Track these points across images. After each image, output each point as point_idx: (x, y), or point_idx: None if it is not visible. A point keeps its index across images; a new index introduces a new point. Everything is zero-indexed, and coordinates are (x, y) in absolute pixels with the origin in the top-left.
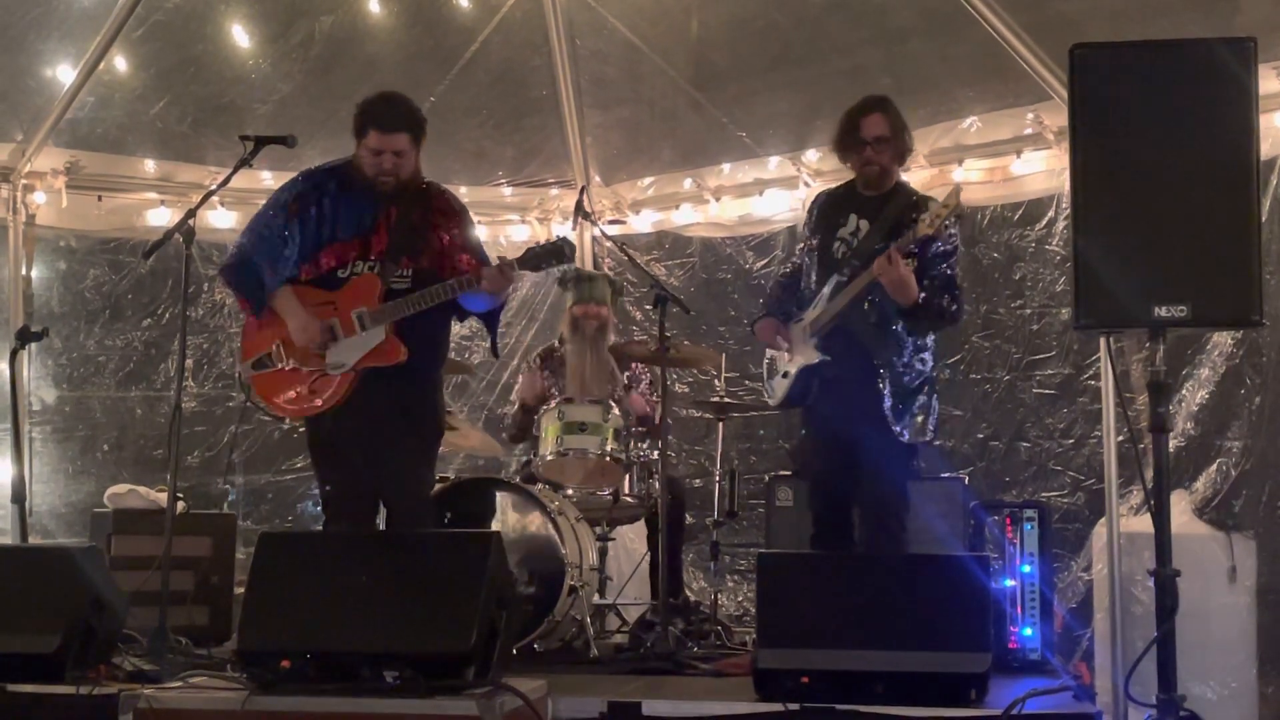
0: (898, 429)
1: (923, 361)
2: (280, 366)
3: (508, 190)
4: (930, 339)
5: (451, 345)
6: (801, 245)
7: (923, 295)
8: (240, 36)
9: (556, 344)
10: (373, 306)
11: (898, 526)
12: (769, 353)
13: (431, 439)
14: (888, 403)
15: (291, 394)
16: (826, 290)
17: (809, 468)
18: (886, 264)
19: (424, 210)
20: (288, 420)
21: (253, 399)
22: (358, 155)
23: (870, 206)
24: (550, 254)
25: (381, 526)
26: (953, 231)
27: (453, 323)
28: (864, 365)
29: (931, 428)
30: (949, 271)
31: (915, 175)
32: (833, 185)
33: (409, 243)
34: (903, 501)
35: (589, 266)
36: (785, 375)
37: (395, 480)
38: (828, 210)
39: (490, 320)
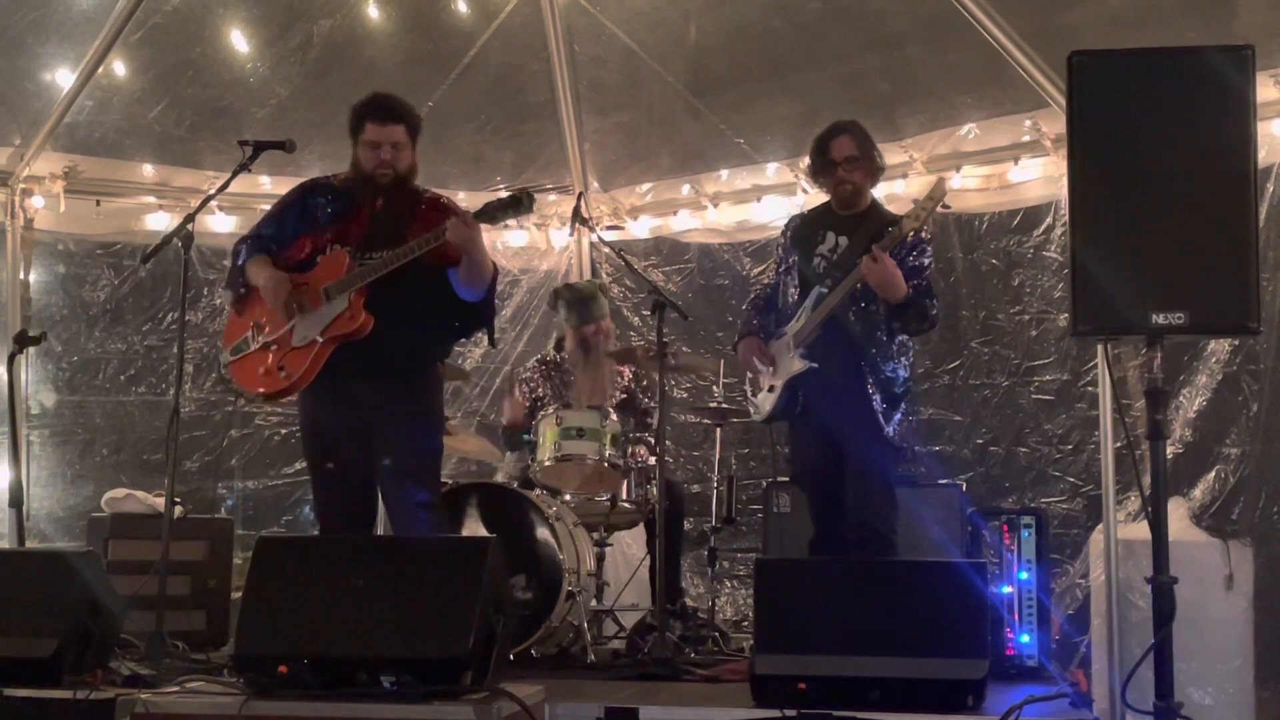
0: (889, 430)
1: (904, 368)
2: (252, 348)
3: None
4: (909, 349)
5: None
6: (777, 266)
7: (910, 292)
8: (238, 40)
9: (551, 352)
10: (340, 276)
11: (886, 527)
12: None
13: (426, 442)
14: (878, 405)
15: (261, 371)
16: (809, 302)
17: (806, 476)
18: (872, 263)
19: (413, 207)
20: (256, 399)
21: (228, 382)
22: (355, 154)
23: (847, 225)
24: (508, 206)
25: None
26: (927, 245)
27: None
28: (852, 369)
29: (911, 433)
30: (924, 282)
31: (913, 181)
32: (806, 209)
33: (389, 231)
34: (891, 501)
35: (587, 272)
36: (771, 389)
37: (392, 487)
38: (803, 231)
39: (485, 311)
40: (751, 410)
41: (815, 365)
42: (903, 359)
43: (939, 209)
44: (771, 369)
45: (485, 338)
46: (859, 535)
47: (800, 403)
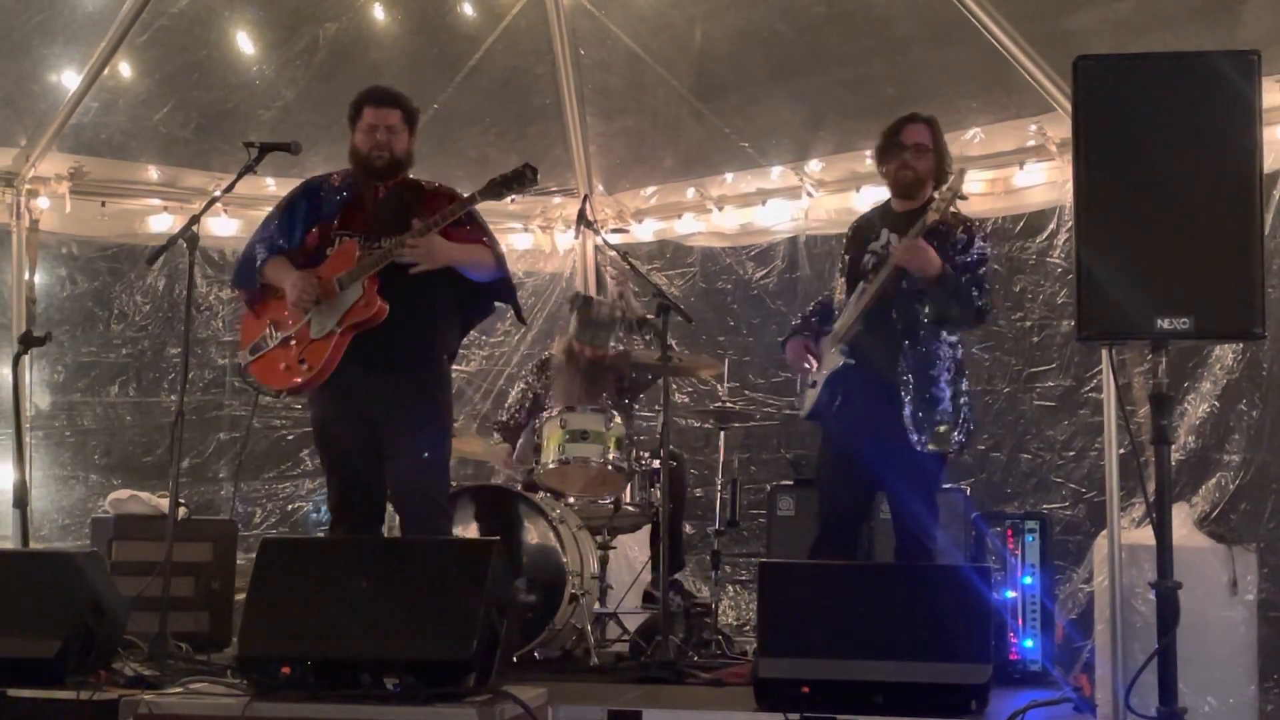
0: (917, 438)
1: (950, 369)
2: (271, 346)
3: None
4: (959, 349)
5: None
6: (838, 266)
7: (948, 273)
8: (244, 43)
9: (553, 353)
10: (351, 267)
11: (926, 537)
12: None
13: (434, 439)
14: (908, 410)
15: (283, 366)
16: (852, 298)
17: (822, 475)
18: (901, 247)
19: (415, 195)
20: (282, 394)
21: (250, 383)
22: (353, 142)
23: (902, 221)
24: (512, 181)
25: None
26: (982, 241)
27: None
28: (888, 372)
29: (958, 438)
30: (981, 271)
31: None
32: (871, 208)
33: (394, 219)
34: (928, 512)
35: (590, 275)
36: (814, 385)
37: (400, 482)
38: (861, 230)
39: (502, 289)
40: (796, 406)
41: (852, 361)
42: (949, 362)
43: (958, 199)
44: (818, 366)
45: (514, 316)
46: (900, 544)
47: (838, 399)
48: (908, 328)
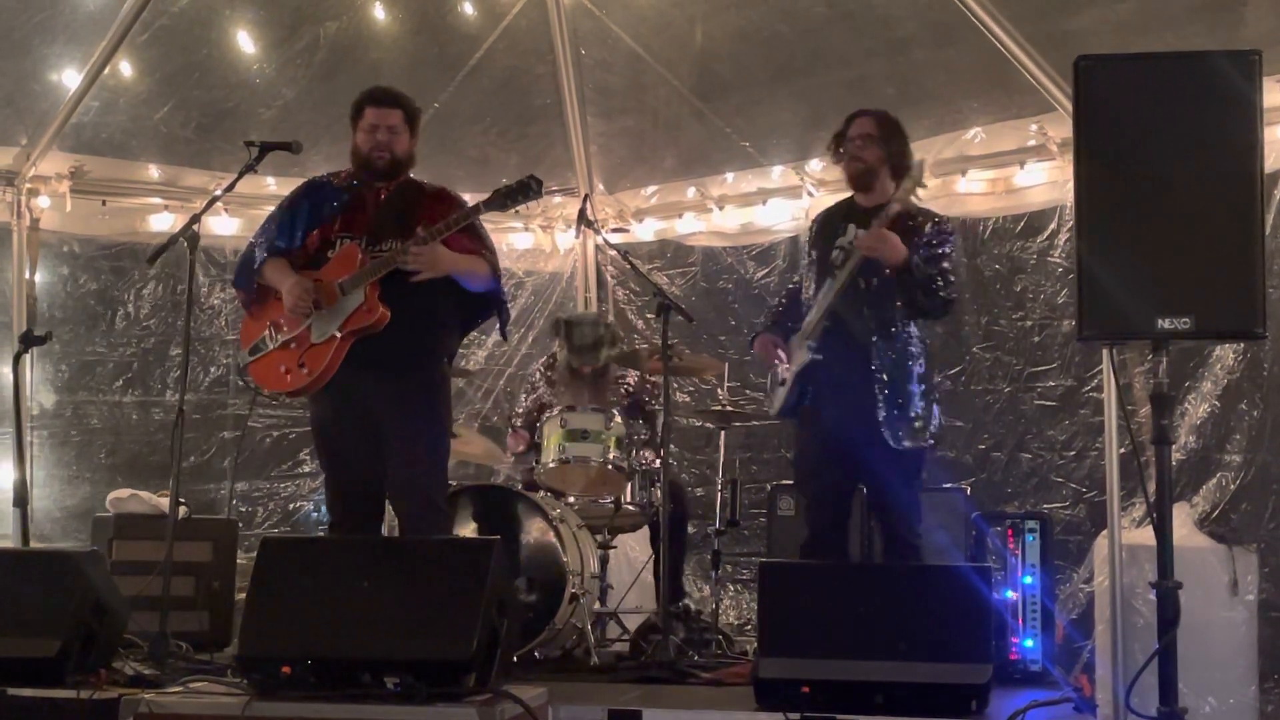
0: (892, 434)
1: (921, 365)
2: (271, 348)
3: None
4: (927, 341)
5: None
6: (804, 262)
7: (915, 262)
8: (245, 42)
9: (556, 354)
10: (353, 271)
11: (910, 534)
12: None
13: (433, 439)
14: (882, 408)
15: (282, 369)
16: (820, 293)
17: (805, 476)
18: (865, 236)
19: (416, 197)
20: (283, 396)
21: (249, 383)
22: (354, 142)
23: (866, 216)
24: (517, 192)
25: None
26: (947, 235)
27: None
28: (860, 369)
29: (932, 431)
30: (944, 265)
31: None
32: (831, 203)
33: (396, 221)
34: (911, 508)
35: (591, 275)
36: (783, 383)
37: (399, 483)
38: (826, 225)
39: (494, 301)
40: (767, 404)
41: (819, 357)
42: (920, 358)
43: (918, 189)
44: (788, 362)
45: (498, 329)
46: (885, 544)
47: (808, 397)
48: (880, 323)
